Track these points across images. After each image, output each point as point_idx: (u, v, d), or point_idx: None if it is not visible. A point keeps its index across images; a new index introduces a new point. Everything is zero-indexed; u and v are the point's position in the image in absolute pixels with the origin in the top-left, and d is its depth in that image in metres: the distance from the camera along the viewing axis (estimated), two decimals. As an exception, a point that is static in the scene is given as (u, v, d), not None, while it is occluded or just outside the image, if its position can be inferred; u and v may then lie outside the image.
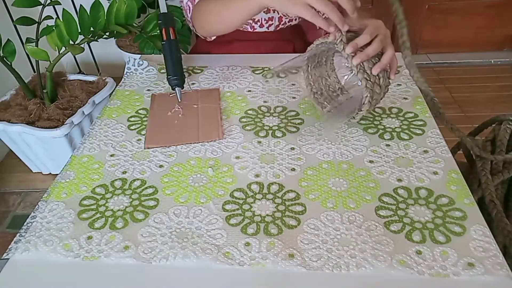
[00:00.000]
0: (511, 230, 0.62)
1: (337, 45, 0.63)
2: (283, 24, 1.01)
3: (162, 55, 0.83)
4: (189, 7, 0.91)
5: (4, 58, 1.34)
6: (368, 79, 0.64)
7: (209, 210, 0.57)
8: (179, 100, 0.80)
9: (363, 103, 0.65)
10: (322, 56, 0.76)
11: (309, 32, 1.11)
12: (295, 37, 1.06)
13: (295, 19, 1.02)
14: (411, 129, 0.71)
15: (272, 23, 1.00)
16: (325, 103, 0.76)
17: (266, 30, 1.01)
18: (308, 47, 0.70)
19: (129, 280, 0.50)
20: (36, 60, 1.41)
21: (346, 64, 0.77)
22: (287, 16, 1.00)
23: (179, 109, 0.79)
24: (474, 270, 0.48)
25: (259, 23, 0.99)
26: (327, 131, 0.71)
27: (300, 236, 0.53)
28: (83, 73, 1.74)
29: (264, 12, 0.97)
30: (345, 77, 0.76)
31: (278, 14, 0.98)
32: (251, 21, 0.98)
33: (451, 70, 2.30)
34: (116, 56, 2.07)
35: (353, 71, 0.63)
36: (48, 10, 1.36)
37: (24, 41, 1.37)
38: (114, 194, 0.61)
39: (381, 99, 0.70)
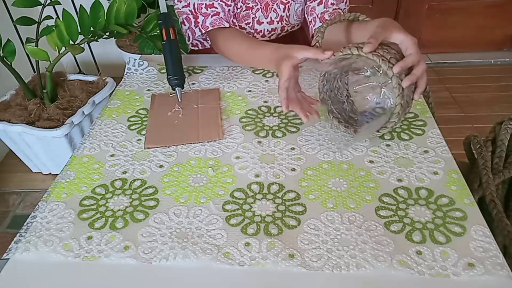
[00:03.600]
0: (511, 230, 0.62)
1: (379, 63, 0.60)
2: (285, 32, 1.02)
3: (162, 55, 0.83)
4: (189, 35, 0.94)
5: (4, 58, 1.33)
6: (401, 94, 0.60)
7: (209, 210, 0.57)
8: (179, 100, 0.80)
9: (389, 120, 0.63)
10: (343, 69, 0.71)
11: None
12: (295, 41, 1.06)
13: (297, 25, 1.03)
14: (411, 129, 0.71)
15: (274, 33, 1.00)
16: (349, 127, 0.71)
17: (268, 38, 1.01)
18: (335, 55, 0.65)
19: (129, 280, 0.50)
20: (36, 60, 1.41)
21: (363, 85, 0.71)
22: (289, 24, 0.99)
23: (179, 109, 0.79)
24: (474, 271, 0.48)
25: (261, 34, 0.99)
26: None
27: (300, 236, 0.53)
28: (83, 73, 1.74)
29: (267, 23, 0.97)
30: (375, 98, 0.71)
31: (281, 24, 0.98)
32: (253, 31, 0.98)
33: (451, 70, 2.30)
34: (116, 56, 2.07)
35: (392, 91, 0.61)
36: (48, 10, 1.36)
37: (24, 41, 1.37)
38: (114, 194, 0.61)
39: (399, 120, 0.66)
